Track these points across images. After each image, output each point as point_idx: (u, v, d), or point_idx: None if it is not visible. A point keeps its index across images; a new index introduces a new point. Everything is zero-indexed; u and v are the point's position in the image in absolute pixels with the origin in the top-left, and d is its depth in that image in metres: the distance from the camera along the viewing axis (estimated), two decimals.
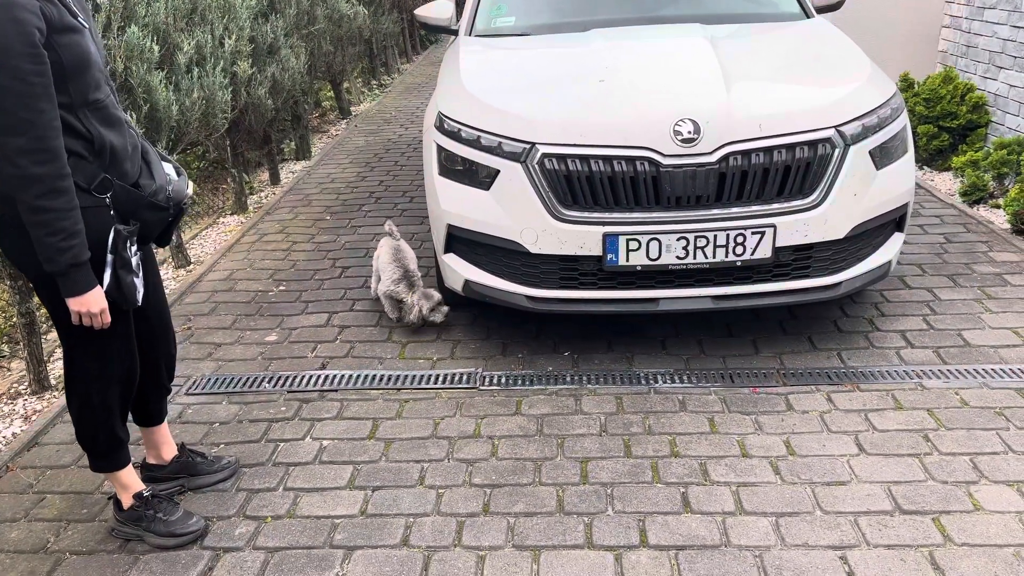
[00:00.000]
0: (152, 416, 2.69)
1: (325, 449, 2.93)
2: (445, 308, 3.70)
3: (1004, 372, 3.16)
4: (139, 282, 2.25)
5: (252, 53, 5.33)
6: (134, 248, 2.23)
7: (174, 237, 2.71)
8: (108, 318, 2.19)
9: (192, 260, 4.81)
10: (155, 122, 4.03)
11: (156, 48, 3.92)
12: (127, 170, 2.23)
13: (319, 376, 3.41)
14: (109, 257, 2.17)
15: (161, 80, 3.98)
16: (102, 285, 2.17)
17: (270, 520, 2.59)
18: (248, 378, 3.43)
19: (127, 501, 2.51)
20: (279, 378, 3.41)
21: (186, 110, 4.28)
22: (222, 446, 2.99)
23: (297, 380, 3.39)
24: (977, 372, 3.17)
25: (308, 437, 3.01)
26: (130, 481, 2.52)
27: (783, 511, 2.50)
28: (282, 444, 2.98)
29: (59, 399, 3.37)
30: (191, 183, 2.47)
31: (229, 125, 5.25)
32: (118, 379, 2.37)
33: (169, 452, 2.75)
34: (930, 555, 2.29)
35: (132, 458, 2.56)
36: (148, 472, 2.74)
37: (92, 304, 2.14)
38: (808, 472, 2.66)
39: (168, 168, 2.42)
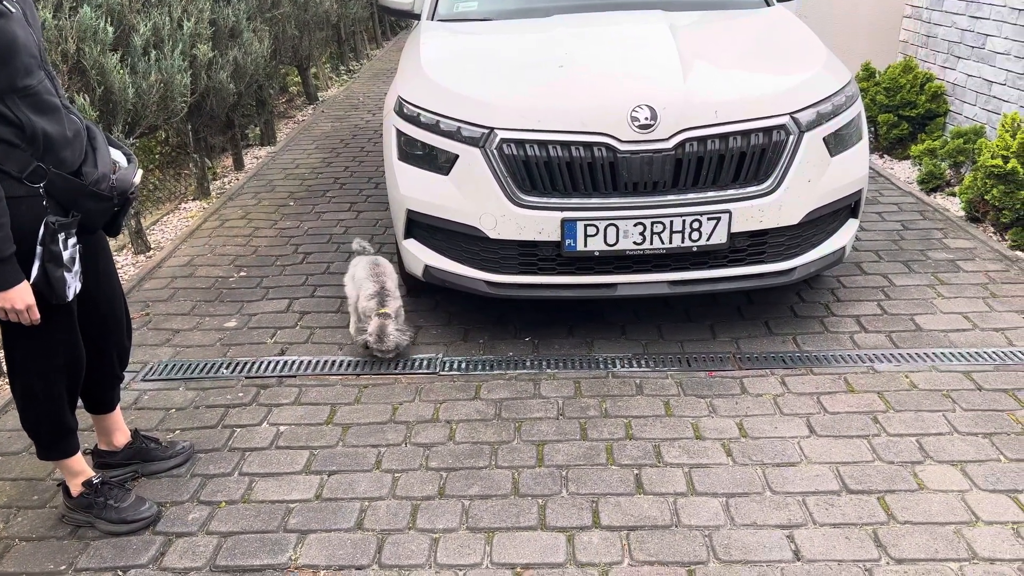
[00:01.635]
0: (103, 404, 2.66)
1: (282, 434, 2.92)
2: (407, 338, 3.36)
3: (953, 356, 3.23)
4: (71, 276, 2.18)
5: (213, 36, 5.26)
6: (71, 241, 2.17)
7: (125, 225, 2.65)
8: (36, 315, 2.13)
9: (152, 246, 4.75)
10: (110, 105, 3.97)
11: (110, 29, 3.85)
12: (65, 158, 2.17)
13: (278, 362, 3.39)
14: (39, 249, 2.11)
15: (116, 63, 3.91)
16: (29, 279, 2.11)
17: (224, 505, 2.58)
18: (206, 364, 3.40)
19: (76, 489, 2.48)
20: (237, 364, 3.39)
21: (143, 93, 4.21)
22: (178, 432, 2.97)
23: (256, 366, 3.37)
24: (927, 356, 3.24)
25: (265, 422, 3.00)
26: (79, 468, 2.50)
27: (734, 492, 2.54)
28: (239, 430, 2.96)
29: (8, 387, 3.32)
30: (140, 171, 2.41)
31: (190, 110, 5.18)
32: (62, 369, 2.33)
33: (121, 438, 2.73)
34: (874, 533, 2.34)
35: (82, 445, 2.53)
36: (100, 459, 2.72)
37: (16, 300, 2.07)
38: (759, 454, 2.71)
39: (117, 155, 2.37)
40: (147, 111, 4.29)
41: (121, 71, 3.98)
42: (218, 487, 2.66)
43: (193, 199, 5.57)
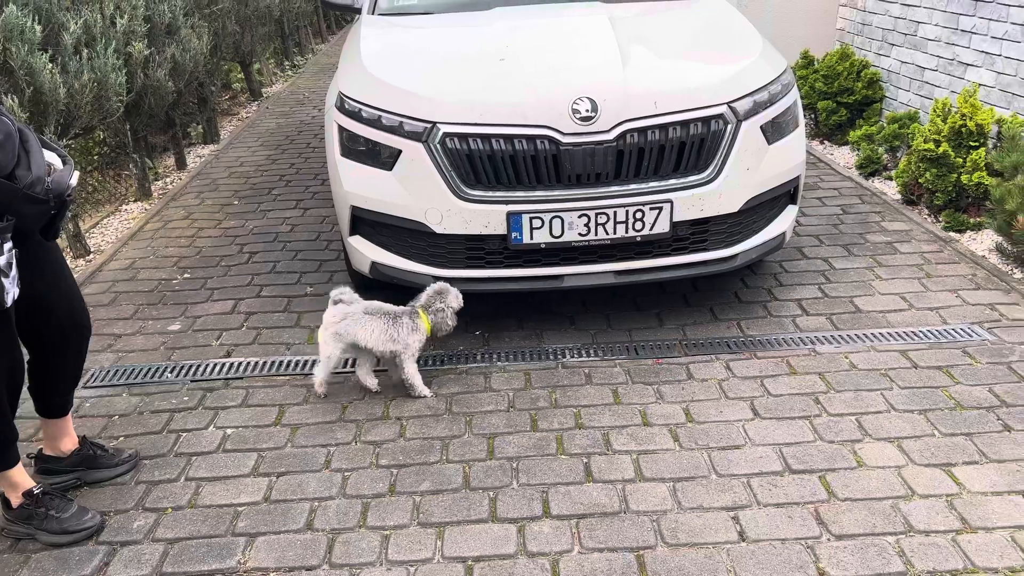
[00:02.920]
0: (56, 409, 2.61)
1: (229, 437, 2.89)
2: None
3: (890, 335, 3.33)
4: (8, 282, 2.12)
5: (148, 33, 5.13)
6: (7, 246, 2.11)
7: (63, 229, 2.56)
8: None
9: (92, 250, 4.63)
10: (41, 106, 3.86)
11: (38, 28, 3.73)
12: None
13: (224, 364, 3.35)
14: None
15: (45, 62, 3.80)
16: None
17: (170, 511, 2.54)
18: (150, 368, 3.34)
19: (16, 500, 2.42)
20: (182, 367, 3.34)
21: (76, 93, 4.10)
22: (122, 439, 2.91)
23: (201, 369, 3.32)
24: (866, 336, 3.33)
25: (212, 426, 2.96)
26: (19, 480, 2.44)
27: (680, 476, 2.58)
28: (184, 434, 2.92)
29: None
30: (76, 173, 2.35)
31: (127, 109, 5.06)
32: (1, 378, 2.28)
33: (69, 444, 2.67)
34: (815, 511, 2.41)
35: (22, 455, 2.47)
36: (44, 464, 2.65)
37: None
38: (705, 438, 2.76)
39: (52, 157, 2.30)
40: (80, 111, 4.18)
41: (51, 71, 3.87)
42: (164, 493, 2.62)
43: (134, 200, 5.45)
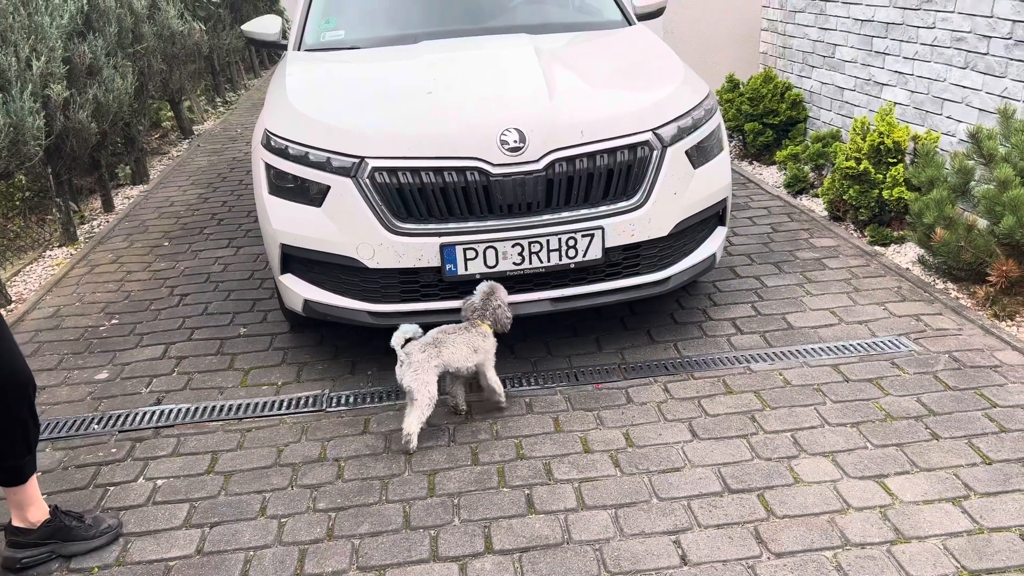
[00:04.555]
0: (10, 475, 2.38)
1: (159, 489, 2.78)
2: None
3: (822, 350, 3.40)
4: None
5: (68, 75, 5.01)
6: None
7: None
8: None
9: (13, 298, 4.46)
10: None
11: None
12: None
13: (154, 412, 3.24)
14: None
15: None
16: None
17: (96, 571, 2.43)
18: (75, 421, 3.21)
19: (38, 519, 2.36)
20: (109, 417, 3.22)
21: None
22: (45, 496, 2.78)
23: (130, 418, 3.21)
24: (799, 352, 3.39)
25: (141, 478, 2.85)
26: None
27: (622, 502, 2.58)
28: (112, 488, 2.80)
29: None
30: None
31: (48, 152, 4.92)
32: None
33: (37, 514, 2.45)
34: (755, 530, 2.43)
35: None
36: (13, 536, 2.45)
37: None
38: (645, 462, 2.76)
39: None
40: None
41: None
42: (90, 553, 2.50)
43: (59, 245, 5.28)
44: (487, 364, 3.03)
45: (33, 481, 2.44)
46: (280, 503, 2.67)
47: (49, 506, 2.51)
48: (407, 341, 2.89)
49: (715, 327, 3.65)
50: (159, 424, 3.16)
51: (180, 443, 3.03)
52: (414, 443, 2.87)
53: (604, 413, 3.06)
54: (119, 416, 3.22)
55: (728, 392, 3.14)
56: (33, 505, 2.46)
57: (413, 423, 2.86)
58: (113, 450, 3.02)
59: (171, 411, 3.24)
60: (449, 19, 4.21)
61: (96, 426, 3.17)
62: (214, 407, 3.25)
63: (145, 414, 3.23)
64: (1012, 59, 3.96)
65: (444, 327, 2.99)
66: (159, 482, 2.82)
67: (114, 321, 4.06)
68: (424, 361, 2.86)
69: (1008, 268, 3.53)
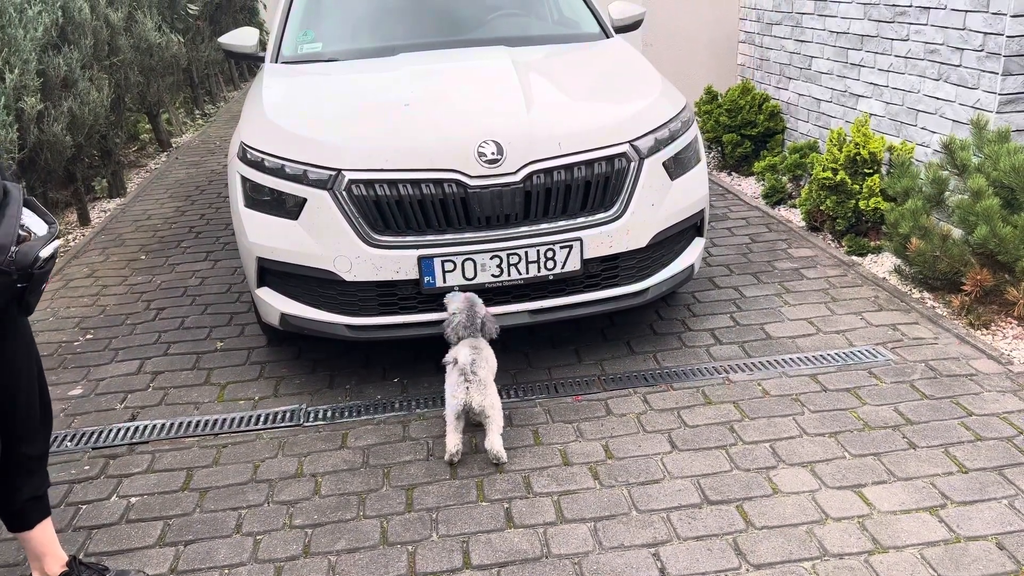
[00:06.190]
0: (15, 519, 2.24)
1: (133, 507, 2.74)
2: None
3: (800, 360, 3.41)
4: None
5: (42, 87, 4.96)
6: None
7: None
8: None
9: None
10: None
11: None
12: None
13: (128, 428, 3.19)
14: None
15: None
16: None
17: None
18: None
19: (56, 569, 2.26)
20: (83, 434, 3.17)
21: None
22: None
23: (103, 435, 3.16)
24: (777, 363, 3.40)
25: (114, 496, 2.80)
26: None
27: (601, 515, 2.56)
28: (84, 507, 2.76)
29: None
30: (56, 243, 2.05)
31: (21, 165, 4.86)
32: None
33: (54, 566, 2.30)
34: (734, 541, 2.42)
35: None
36: None
37: None
38: (625, 474, 2.76)
39: (34, 222, 2.03)
40: None
41: None
42: None
43: None
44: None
45: (46, 527, 2.30)
46: (256, 520, 2.64)
47: (67, 556, 2.36)
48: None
49: (694, 338, 3.65)
50: (134, 440, 3.11)
51: (155, 460, 2.99)
52: (505, 456, 2.85)
53: (584, 425, 3.05)
54: (93, 433, 3.18)
55: (707, 403, 3.14)
56: (49, 555, 2.30)
57: (497, 441, 2.84)
58: (86, 467, 2.97)
59: (146, 427, 3.19)
60: (427, 31, 4.21)
61: (69, 443, 3.12)
62: (190, 422, 3.21)
63: (119, 430, 3.18)
64: (984, 71, 4.02)
65: (465, 340, 2.95)
66: (133, 500, 2.78)
67: (88, 336, 4.00)
68: (487, 377, 2.86)
69: (982, 277, 3.56)
